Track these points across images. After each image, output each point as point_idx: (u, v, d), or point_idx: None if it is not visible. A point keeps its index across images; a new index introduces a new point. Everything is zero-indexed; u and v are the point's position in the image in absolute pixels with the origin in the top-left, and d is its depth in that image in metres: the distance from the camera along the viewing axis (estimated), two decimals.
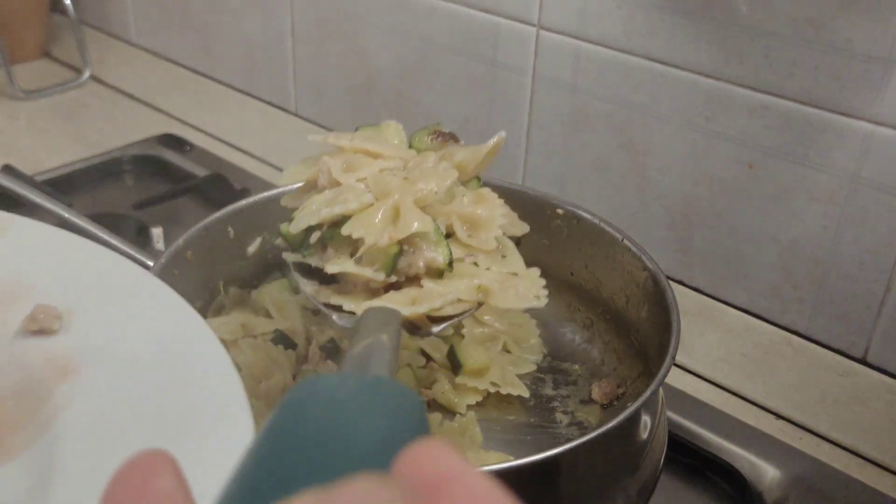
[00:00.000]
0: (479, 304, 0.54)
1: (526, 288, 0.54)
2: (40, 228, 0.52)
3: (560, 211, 0.69)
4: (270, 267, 0.71)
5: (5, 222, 0.52)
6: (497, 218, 0.56)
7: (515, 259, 0.57)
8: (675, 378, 0.75)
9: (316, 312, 0.69)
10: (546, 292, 0.54)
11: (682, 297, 0.84)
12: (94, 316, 0.46)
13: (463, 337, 0.68)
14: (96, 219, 0.70)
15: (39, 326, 0.44)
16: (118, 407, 0.40)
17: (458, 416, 0.63)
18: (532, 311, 0.72)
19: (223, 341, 0.62)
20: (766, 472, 0.65)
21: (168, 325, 0.45)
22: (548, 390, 0.67)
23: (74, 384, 0.41)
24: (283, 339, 0.65)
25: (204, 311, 0.67)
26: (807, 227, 0.76)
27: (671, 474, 0.65)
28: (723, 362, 0.77)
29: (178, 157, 1.04)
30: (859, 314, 0.75)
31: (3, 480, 0.37)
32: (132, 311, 0.46)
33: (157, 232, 0.88)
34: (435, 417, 0.63)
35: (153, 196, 0.96)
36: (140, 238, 0.88)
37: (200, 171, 1.00)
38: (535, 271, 0.56)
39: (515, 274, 0.55)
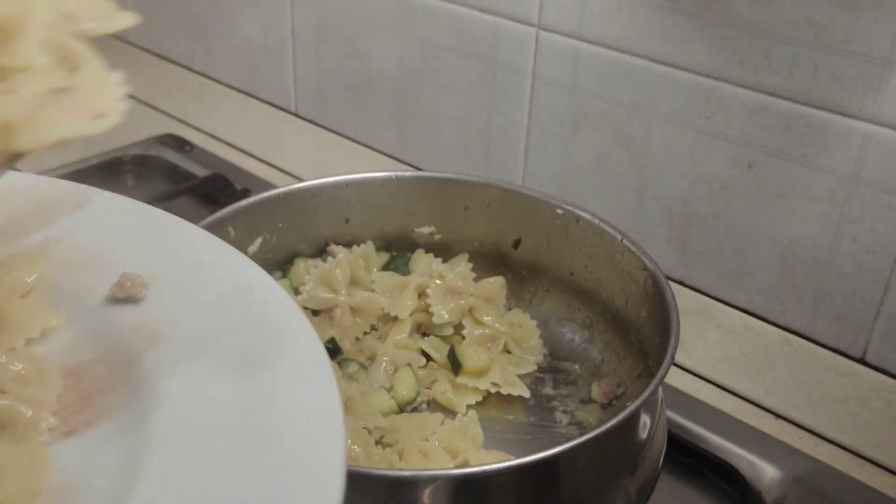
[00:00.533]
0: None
1: (88, 101, 0.37)
2: (124, 202, 0.53)
3: (560, 211, 0.69)
4: (271, 267, 0.72)
5: (88, 194, 0.53)
6: (37, 15, 0.37)
7: (91, 68, 0.40)
8: (675, 378, 0.75)
9: (316, 313, 0.70)
10: (124, 103, 0.38)
11: (682, 297, 0.84)
12: (180, 287, 0.45)
13: (463, 338, 0.69)
14: None
15: (127, 294, 0.44)
16: (206, 374, 0.40)
17: (458, 415, 0.63)
18: (532, 312, 0.73)
19: None
20: (765, 472, 0.65)
21: (254, 299, 0.45)
22: (547, 390, 0.68)
23: (163, 351, 0.41)
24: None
25: None
26: (806, 227, 0.76)
27: (671, 474, 0.66)
28: (722, 362, 0.77)
29: (178, 158, 1.04)
30: (858, 314, 0.75)
31: (98, 442, 0.37)
32: (218, 284, 0.46)
33: None
34: (436, 417, 0.63)
35: (154, 196, 0.96)
36: None
37: (201, 172, 1.00)
38: (112, 76, 0.39)
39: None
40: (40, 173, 0.96)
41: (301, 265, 0.71)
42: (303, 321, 0.43)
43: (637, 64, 0.82)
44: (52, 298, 0.45)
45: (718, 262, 0.83)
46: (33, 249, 0.48)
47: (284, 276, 0.71)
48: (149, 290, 0.45)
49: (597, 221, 0.67)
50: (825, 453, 0.69)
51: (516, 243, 0.72)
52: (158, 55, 1.32)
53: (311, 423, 0.37)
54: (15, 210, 0.51)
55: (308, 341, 0.41)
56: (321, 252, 0.73)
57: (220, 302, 0.44)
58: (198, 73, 1.27)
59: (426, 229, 0.73)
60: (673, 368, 0.76)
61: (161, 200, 0.95)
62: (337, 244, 0.73)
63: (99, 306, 0.44)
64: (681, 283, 0.86)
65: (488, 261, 0.74)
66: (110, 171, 1.03)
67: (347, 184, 0.71)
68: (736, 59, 0.75)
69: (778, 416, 0.72)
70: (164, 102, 1.19)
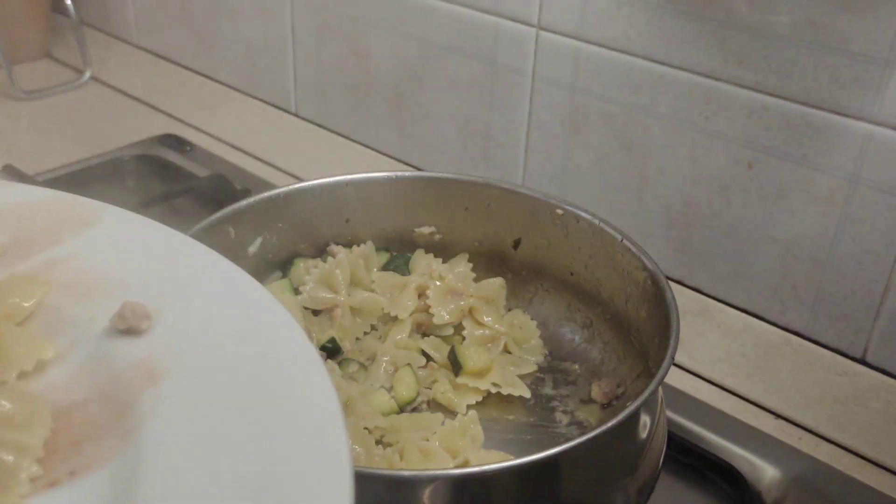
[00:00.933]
0: None
1: None
2: (134, 220, 0.50)
3: (560, 211, 0.69)
4: (271, 267, 0.72)
5: (98, 211, 0.50)
6: None
7: None
8: (675, 378, 0.75)
9: (316, 313, 0.70)
10: None
11: (682, 297, 0.84)
12: (186, 317, 0.42)
13: (464, 338, 0.69)
14: None
15: (128, 325, 0.41)
16: (205, 418, 0.37)
17: (458, 415, 0.63)
18: (532, 312, 0.73)
19: None
20: (765, 472, 0.65)
21: (265, 334, 0.42)
22: (547, 390, 0.68)
23: (161, 390, 0.38)
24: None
25: None
26: (806, 227, 0.76)
27: (671, 474, 0.66)
28: (722, 362, 0.77)
29: (178, 158, 1.04)
30: (858, 314, 0.75)
31: (81, 496, 0.34)
32: (227, 315, 0.43)
33: None
34: (436, 417, 0.63)
35: (154, 196, 0.96)
36: None
37: (201, 172, 1.00)
38: None
39: None
40: (40, 174, 0.97)
41: (301, 265, 0.71)
42: (315, 360, 0.40)
43: (637, 64, 0.82)
44: (51, 326, 0.42)
45: (718, 262, 0.83)
46: (36, 270, 0.45)
47: (284, 276, 0.71)
48: (153, 320, 0.42)
49: (597, 221, 0.67)
50: (825, 453, 0.69)
51: (516, 243, 0.72)
52: (158, 55, 1.32)
53: (315, 475, 0.34)
54: (20, 226, 0.48)
55: (319, 382, 0.39)
56: (321, 252, 0.73)
57: (228, 335, 0.41)
58: (198, 73, 1.27)
59: (426, 229, 0.73)
60: (673, 368, 0.76)
61: (161, 200, 0.96)
62: (337, 244, 0.73)
63: (99, 337, 0.42)
64: (681, 283, 0.86)
65: (488, 261, 0.74)
66: (110, 171, 1.03)
67: (347, 184, 0.71)
68: (736, 59, 0.75)
69: (778, 416, 0.72)
70: (164, 102, 1.19)
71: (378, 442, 0.60)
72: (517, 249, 0.73)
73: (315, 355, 0.40)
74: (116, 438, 0.36)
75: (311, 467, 0.34)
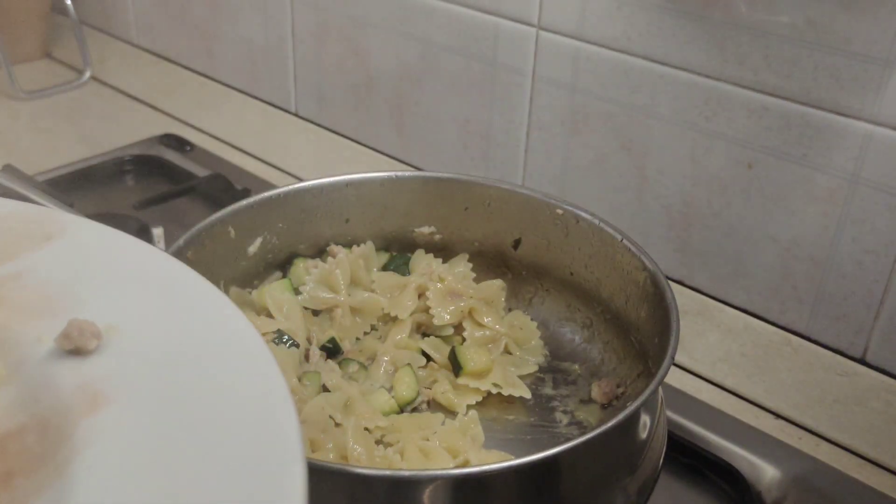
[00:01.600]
0: None
1: None
2: (101, 232, 0.47)
3: (559, 211, 0.69)
4: (271, 267, 0.72)
5: (63, 224, 0.47)
6: None
7: None
8: (675, 378, 0.75)
9: (316, 313, 0.70)
10: None
11: (682, 297, 0.84)
12: (142, 336, 0.40)
13: (464, 339, 0.69)
14: (97, 219, 0.70)
15: (74, 346, 0.38)
16: (147, 450, 0.34)
17: (459, 415, 0.63)
18: (532, 312, 0.73)
19: None
20: (765, 472, 0.65)
21: (228, 357, 0.39)
22: (547, 390, 0.68)
23: (102, 417, 0.35)
24: (284, 341, 0.65)
25: None
26: (806, 227, 0.76)
27: (670, 474, 0.66)
28: (722, 362, 0.77)
29: (178, 158, 1.04)
30: (858, 314, 0.75)
31: None
32: (188, 335, 0.40)
33: (157, 232, 0.88)
34: (437, 417, 0.63)
35: (154, 196, 0.96)
36: (141, 238, 0.88)
37: (201, 172, 1.00)
38: None
39: None
40: (40, 174, 0.97)
41: (301, 265, 0.71)
42: (280, 387, 0.37)
43: (637, 64, 0.82)
44: None
45: (718, 262, 0.83)
46: None
47: (284, 275, 0.71)
48: (102, 340, 0.39)
49: (597, 221, 0.67)
50: (825, 453, 0.69)
51: (516, 243, 0.72)
52: (158, 55, 1.32)
53: None
54: None
55: (281, 415, 0.36)
56: (321, 252, 0.73)
57: (185, 357, 0.38)
58: (198, 73, 1.27)
59: (426, 229, 0.73)
60: (673, 368, 0.76)
61: (161, 200, 0.96)
62: (337, 244, 0.73)
63: (44, 359, 0.39)
64: (681, 283, 0.86)
65: (488, 261, 0.74)
66: (110, 171, 1.04)
67: (347, 184, 0.71)
68: (736, 59, 0.75)
69: (778, 415, 0.72)
70: (164, 102, 1.19)
71: (378, 442, 0.60)
72: (517, 249, 0.73)
73: (281, 381, 0.37)
74: (50, 470, 0.34)
75: None
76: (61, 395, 0.37)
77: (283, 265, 0.72)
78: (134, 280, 0.44)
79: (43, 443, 0.35)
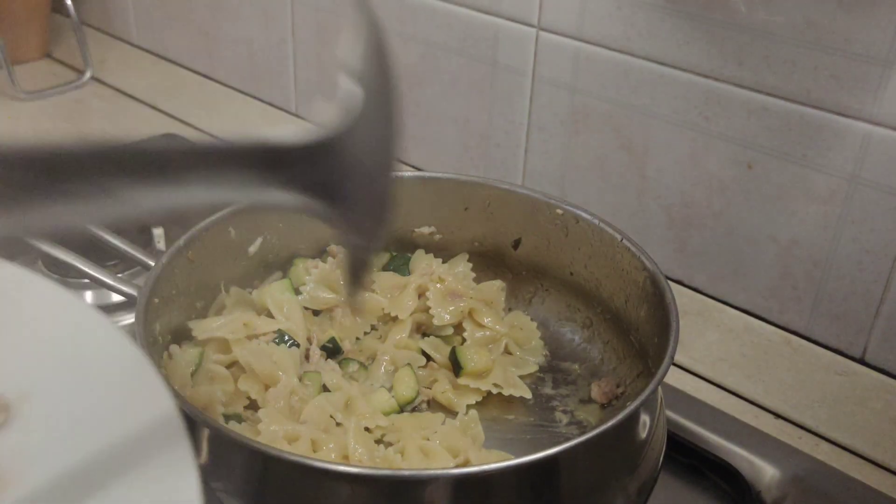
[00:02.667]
0: None
1: None
2: (26, 282, 0.44)
3: (559, 211, 0.69)
4: (271, 267, 0.72)
5: None
6: None
7: None
8: (675, 378, 0.75)
9: (316, 313, 0.70)
10: None
11: (682, 297, 0.84)
12: (55, 406, 0.37)
13: (464, 339, 0.69)
14: None
15: None
16: None
17: (459, 415, 0.63)
18: (532, 312, 0.73)
19: (226, 341, 0.63)
20: (764, 472, 0.65)
21: (145, 426, 0.37)
22: (547, 389, 0.68)
23: (4, 499, 0.34)
24: (285, 340, 0.65)
25: (205, 312, 0.67)
26: (806, 228, 0.76)
27: (670, 474, 0.66)
28: (722, 362, 0.77)
29: None
30: (858, 314, 0.75)
31: None
32: (104, 403, 0.38)
33: (158, 232, 0.88)
34: (437, 416, 0.63)
35: None
36: (141, 238, 0.88)
37: None
38: None
39: None
40: None
41: (301, 265, 0.71)
42: (186, 452, 0.36)
43: (637, 64, 0.82)
44: None
45: (718, 263, 0.83)
46: None
47: (285, 276, 0.71)
48: (11, 412, 0.37)
49: (596, 221, 0.67)
50: (825, 453, 0.69)
51: (516, 243, 0.73)
52: (158, 55, 1.32)
53: None
54: None
55: (186, 481, 0.34)
56: (321, 252, 0.73)
57: (96, 431, 0.36)
58: (198, 73, 1.27)
59: (426, 229, 0.73)
60: (673, 368, 0.76)
61: None
62: (337, 244, 0.73)
63: None
64: (681, 283, 0.86)
65: (488, 261, 0.74)
66: None
67: None
68: (736, 59, 0.75)
69: (777, 415, 0.72)
70: (164, 102, 1.19)
71: (378, 441, 0.60)
72: (517, 249, 0.73)
73: (188, 448, 0.36)
74: None
75: None
76: None
77: (284, 265, 0.72)
78: (43, 344, 0.41)
79: None
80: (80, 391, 0.39)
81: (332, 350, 0.67)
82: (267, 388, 0.61)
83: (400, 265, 0.73)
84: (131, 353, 0.41)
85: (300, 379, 0.63)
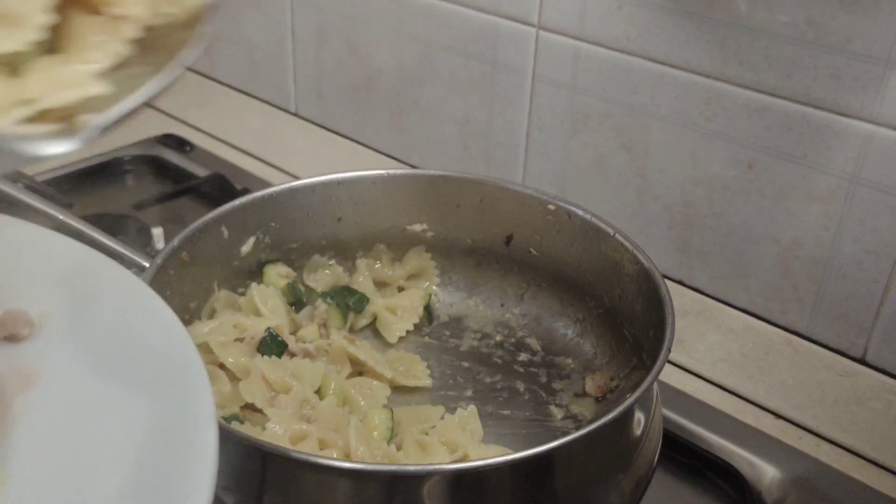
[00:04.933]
0: None
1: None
2: (32, 231, 0.50)
3: (551, 207, 0.69)
4: (263, 266, 0.71)
5: None
6: None
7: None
8: (675, 378, 0.75)
9: (298, 309, 0.70)
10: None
11: (682, 297, 0.84)
12: (72, 322, 0.43)
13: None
14: (97, 219, 0.70)
15: (8, 332, 0.42)
16: (76, 424, 0.38)
17: (458, 410, 0.63)
18: (525, 307, 0.73)
19: (219, 344, 0.63)
20: (765, 472, 0.64)
21: (150, 339, 0.43)
22: (542, 384, 0.68)
23: (34, 395, 0.39)
24: (274, 339, 0.65)
25: (199, 312, 0.67)
26: (806, 227, 0.76)
27: (671, 474, 0.65)
28: (722, 362, 0.77)
29: (178, 158, 1.04)
30: (859, 314, 0.75)
31: None
32: (115, 321, 0.44)
33: (157, 232, 0.88)
34: (437, 410, 0.63)
35: (154, 196, 0.96)
36: (141, 238, 0.88)
37: (201, 172, 1.00)
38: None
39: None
40: (40, 174, 0.97)
41: (272, 271, 0.71)
42: (196, 363, 0.41)
43: (637, 64, 0.81)
44: None
45: (719, 262, 0.82)
46: None
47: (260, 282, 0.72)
48: (35, 327, 0.43)
49: (589, 216, 0.67)
50: (825, 453, 0.68)
51: (508, 239, 0.72)
52: None
53: (180, 486, 0.34)
54: None
55: (196, 387, 0.39)
56: (312, 252, 0.73)
57: (109, 338, 0.42)
58: (198, 73, 1.27)
59: (418, 227, 0.73)
60: (673, 368, 0.76)
61: (160, 200, 0.96)
62: (328, 245, 0.73)
63: None
64: (681, 283, 0.86)
65: (480, 257, 0.74)
66: (110, 171, 1.03)
67: (339, 182, 0.71)
68: (736, 59, 0.75)
69: (778, 416, 0.72)
70: (164, 102, 1.19)
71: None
72: (509, 245, 0.73)
73: (197, 359, 0.41)
74: None
75: (177, 477, 0.35)
76: None
77: (276, 264, 0.72)
78: (62, 273, 0.47)
79: None
80: (91, 311, 0.44)
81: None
82: (276, 394, 0.61)
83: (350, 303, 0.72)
84: (136, 283, 0.47)
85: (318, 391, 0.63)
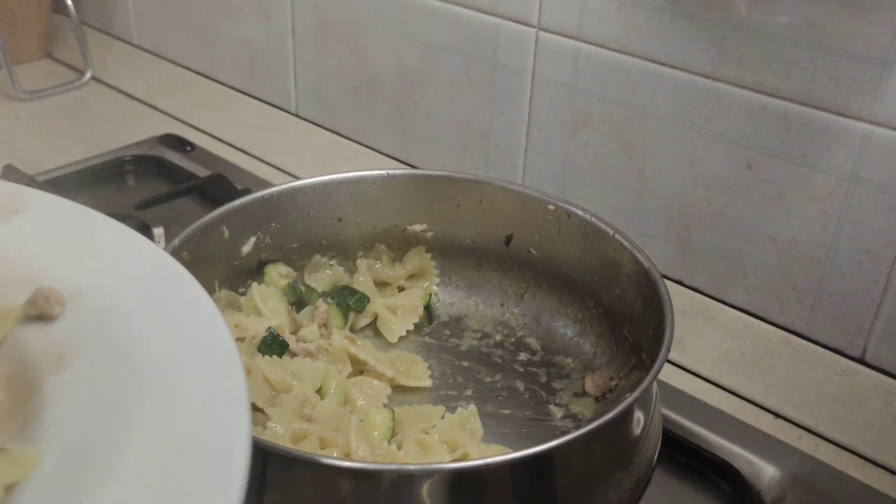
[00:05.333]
0: None
1: None
2: (66, 207, 0.50)
3: (551, 207, 0.69)
4: (264, 266, 0.72)
5: (28, 200, 0.50)
6: None
7: None
8: (674, 377, 0.75)
9: (299, 308, 0.70)
10: None
11: (681, 297, 0.84)
12: (105, 301, 0.42)
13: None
14: None
15: (39, 311, 0.42)
16: (108, 404, 0.37)
17: (459, 409, 0.63)
18: (525, 307, 0.73)
19: None
20: (764, 472, 0.65)
21: (183, 319, 0.42)
22: (541, 383, 0.68)
23: (66, 375, 0.38)
24: (274, 339, 0.65)
25: None
26: (805, 227, 0.76)
27: (670, 473, 0.65)
28: (721, 362, 0.77)
29: (179, 158, 1.04)
30: (857, 314, 0.75)
31: None
32: (148, 300, 0.43)
33: (158, 232, 0.88)
34: (437, 410, 0.63)
35: (155, 196, 0.96)
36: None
37: (202, 172, 1.00)
38: None
39: None
40: (41, 174, 0.97)
41: (273, 271, 0.71)
42: (230, 347, 0.40)
43: (637, 64, 0.82)
44: None
45: (718, 262, 0.83)
46: None
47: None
48: (67, 306, 0.42)
49: (588, 216, 0.67)
50: (824, 453, 0.69)
51: (508, 239, 0.73)
52: (158, 55, 1.32)
53: (214, 473, 0.34)
54: None
55: (230, 370, 0.38)
56: (313, 251, 0.73)
57: (141, 319, 0.41)
58: (198, 73, 1.27)
59: (418, 227, 0.74)
60: (672, 368, 0.76)
61: (161, 200, 0.96)
62: (328, 245, 0.73)
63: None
64: (681, 283, 0.86)
65: (480, 257, 0.74)
66: (110, 171, 1.04)
67: (340, 182, 0.71)
68: (735, 59, 0.75)
69: (777, 415, 0.72)
70: (164, 102, 1.19)
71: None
72: (509, 245, 0.73)
73: (231, 343, 0.40)
74: (19, 424, 0.36)
75: (210, 461, 0.34)
76: (28, 357, 0.40)
77: (277, 264, 0.72)
78: (96, 251, 0.46)
79: (13, 399, 0.38)
80: (124, 291, 0.43)
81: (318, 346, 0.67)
82: (277, 394, 0.61)
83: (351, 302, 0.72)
84: (164, 258, 0.46)
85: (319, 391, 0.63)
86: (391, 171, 0.72)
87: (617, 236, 0.65)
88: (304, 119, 1.15)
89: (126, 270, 0.45)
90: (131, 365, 0.39)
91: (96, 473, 0.34)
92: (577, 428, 0.49)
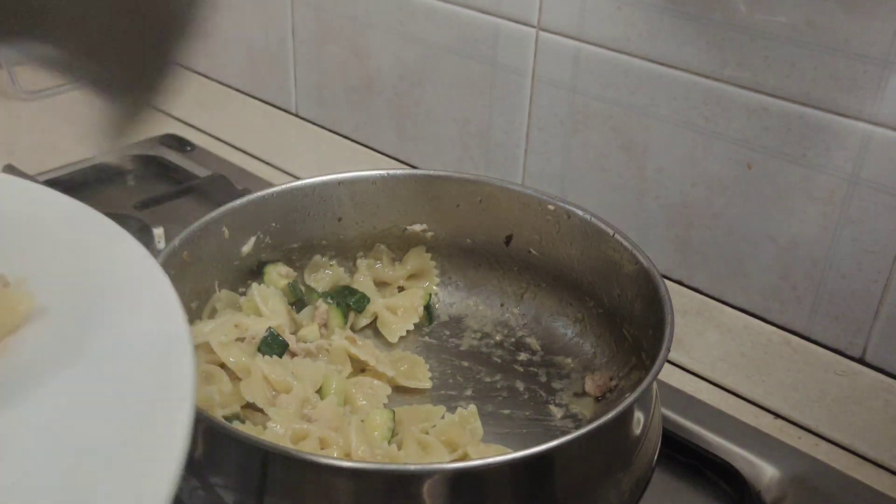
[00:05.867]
0: None
1: None
2: (27, 188, 0.50)
3: (551, 207, 0.69)
4: (264, 266, 0.72)
5: None
6: None
7: None
8: (674, 377, 0.75)
9: (299, 309, 0.70)
10: None
11: (681, 297, 0.84)
12: (49, 283, 0.42)
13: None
14: None
15: None
16: (48, 387, 0.37)
17: (459, 409, 0.63)
18: (524, 307, 0.73)
19: (220, 344, 0.63)
20: (764, 472, 0.65)
21: (131, 295, 0.42)
22: (541, 383, 0.68)
23: (8, 360, 0.39)
24: (275, 339, 0.65)
25: (200, 311, 0.67)
26: (805, 227, 0.76)
27: (670, 473, 0.65)
28: (721, 362, 0.77)
29: (179, 158, 1.04)
30: (857, 314, 0.75)
31: None
32: (92, 275, 0.43)
33: (158, 232, 0.88)
34: (437, 410, 0.63)
35: (155, 196, 0.96)
36: (142, 238, 0.87)
37: (202, 172, 1.00)
38: None
39: None
40: (41, 174, 0.97)
41: (273, 271, 0.71)
42: (182, 332, 0.40)
43: (637, 64, 0.82)
44: None
45: (718, 262, 0.83)
46: None
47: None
48: (10, 287, 0.42)
49: (588, 216, 0.67)
50: (824, 453, 0.69)
51: (508, 239, 0.73)
52: None
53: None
54: None
55: (179, 359, 0.39)
56: (313, 251, 0.73)
57: (89, 297, 0.42)
58: (198, 73, 1.27)
59: (418, 227, 0.74)
60: (672, 368, 0.76)
61: (162, 201, 0.96)
62: (328, 245, 0.73)
63: None
64: (681, 283, 0.86)
65: (480, 257, 0.74)
66: (110, 171, 1.03)
67: (340, 182, 0.71)
68: (735, 59, 0.75)
69: (777, 415, 0.72)
70: (164, 102, 1.19)
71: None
72: (509, 245, 0.73)
73: (177, 308, 0.41)
74: None
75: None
76: None
77: (277, 264, 0.72)
78: (50, 233, 0.47)
79: None
80: (71, 271, 0.44)
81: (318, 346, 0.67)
82: (277, 394, 0.61)
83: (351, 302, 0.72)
84: (119, 233, 0.47)
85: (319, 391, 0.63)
86: (391, 171, 0.72)
87: (617, 236, 0.65)
88: (304, 119, 1.15)
89: (79, 250, 0.45)
90: (73, 344, 0.39)
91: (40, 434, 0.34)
92: (577, 428, 0.49)
